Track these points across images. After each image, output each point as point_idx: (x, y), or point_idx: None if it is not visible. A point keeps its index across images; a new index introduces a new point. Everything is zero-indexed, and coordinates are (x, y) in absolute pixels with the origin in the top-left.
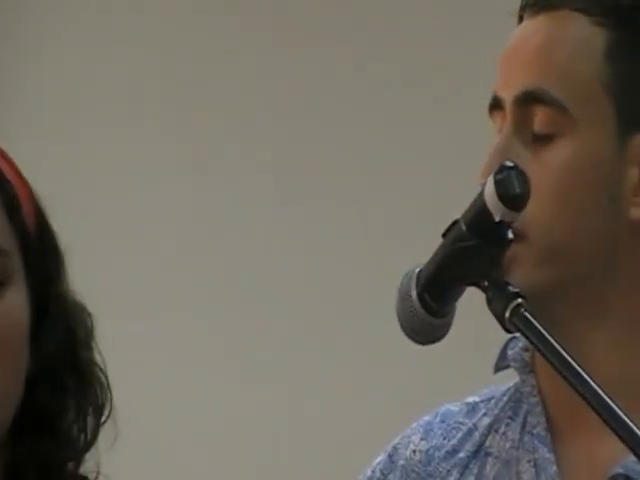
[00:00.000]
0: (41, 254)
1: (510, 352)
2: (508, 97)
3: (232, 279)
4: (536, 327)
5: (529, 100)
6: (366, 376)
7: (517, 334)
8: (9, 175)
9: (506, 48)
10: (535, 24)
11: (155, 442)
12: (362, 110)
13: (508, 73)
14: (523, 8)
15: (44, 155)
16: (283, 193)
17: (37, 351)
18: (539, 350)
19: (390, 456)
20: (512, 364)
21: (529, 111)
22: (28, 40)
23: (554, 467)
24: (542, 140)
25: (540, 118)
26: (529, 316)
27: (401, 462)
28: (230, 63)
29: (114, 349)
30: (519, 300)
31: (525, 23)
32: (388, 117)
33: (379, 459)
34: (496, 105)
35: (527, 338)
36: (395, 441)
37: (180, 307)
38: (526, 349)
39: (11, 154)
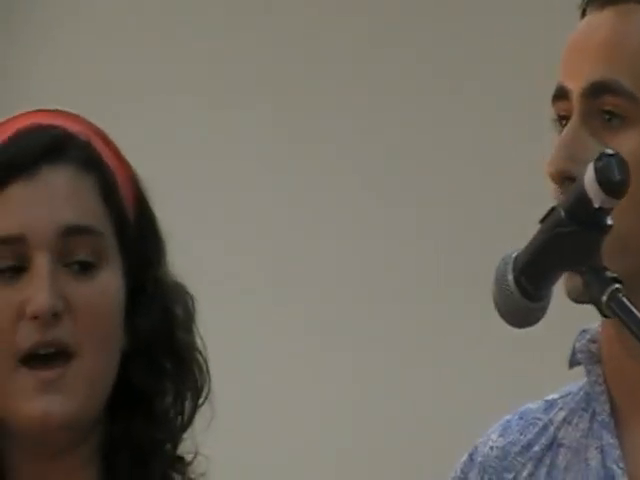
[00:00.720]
0: (139, 237)
1: (577, 345)
2: (576, 88)
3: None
4: (632, 311)
5: (598, 91)
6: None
7: (585, 327)
8: (108, 159)
9: (571, 41)
10: (601, 17)
11: (250, 422)
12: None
13: (575, 65)
14: (587, 2)
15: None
16: (381, 193)
17: (133, 330)
18: (634, 334)
19: (471, 455)
20: (578, 355)
21: (597, 102)
22: None
23: (617, 451)
24: (610, 130)
25: (609, 108)
26: (626, 301)
27: (479, 459)
28: (325, 64)
29: (214, 333)
30: (616, 285)
31: (590, 17)
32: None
33: (462, 459)
34: (561, 95)
35: (623, 322)
36: (477, 441)
37: (283, 297)
38: (593, 341)
39: None
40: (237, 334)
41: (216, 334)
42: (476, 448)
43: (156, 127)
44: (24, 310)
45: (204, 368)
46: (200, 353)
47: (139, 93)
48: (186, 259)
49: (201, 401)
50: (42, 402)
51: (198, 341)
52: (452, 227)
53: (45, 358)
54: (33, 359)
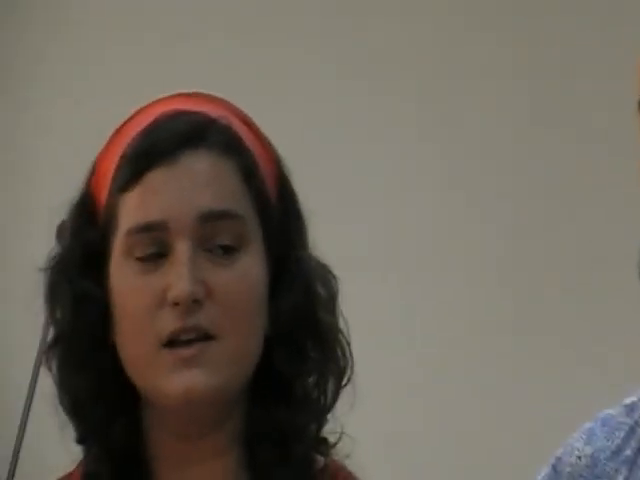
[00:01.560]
0: (281, 219)
1: None
2: None
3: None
4: None
5: None
6: None
7: None
8: (248, 140)
9: None
10: None
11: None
12: None
13: None
14: None
15: None
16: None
17: (275, 313)
18: None
19: (554, 467)
20: None
21: None
22: None
23: None
24: None
25: None
26: None
27: (567, 470)
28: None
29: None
30: None
31: None
32: None
33: (543, 473)
34: None
35: None
36: (557, 452)
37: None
38: None
39: None
40: (379, 315)
41: (358, 315)
42: (559, 459)
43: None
44: (165, 296)
45: (346, 349)
46: (342, 334)
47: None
48: (330, 239)
49: (344, 382)
50: (184, 377)
51: (341, 322)
52: None
53: (186, 342)
54: (173, 343)
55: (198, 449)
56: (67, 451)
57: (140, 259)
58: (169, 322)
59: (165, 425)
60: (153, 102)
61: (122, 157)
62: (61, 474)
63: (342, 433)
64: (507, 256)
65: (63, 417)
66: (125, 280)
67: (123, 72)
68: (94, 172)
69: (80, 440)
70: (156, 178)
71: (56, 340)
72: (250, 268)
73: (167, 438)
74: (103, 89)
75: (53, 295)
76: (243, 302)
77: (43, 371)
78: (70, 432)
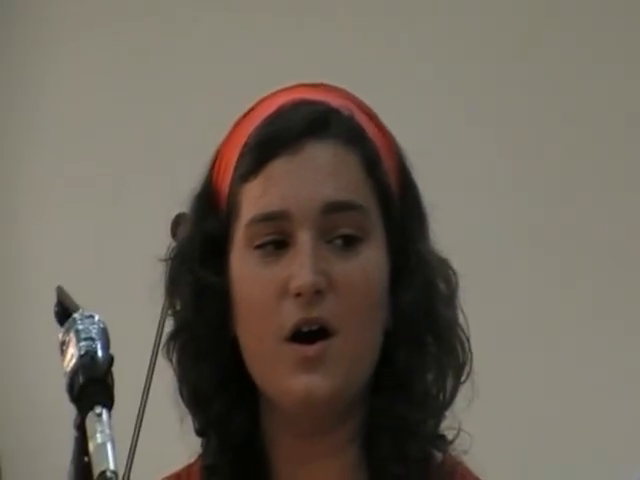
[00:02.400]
0: (403, 211)
1: None
2: None
3: None
4: None
5: None
6: None
7: None
8: (370, 130)
9: None
10: None
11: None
12: None
13: None
14: None
15: None
16: None
17: (395, 307)
18: None
19: None
20: None
21: None
22: None
23: None
24: None
25: None
26: None
27: None
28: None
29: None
30: None
31: None
32: None
33: None
34: None
35: None
36: None
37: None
38: None
39: None
40: (500, 312)
41: (474, 312)
42: None
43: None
44: (287, 287)
45: (466, 345)
46: (462, 330)
47: None
48: (450, 233)
49: (463, 379)
50: (304, 379)
51: (460, 317)
52: None
53: (308, 334)
54: (296, 336)
55: (316, 447)
56: (185, 444)
57: (261, 249)
58: (291, 314)
59: (282, 422)
60: (275, 92)
61: (245, 146)
62: (179, 467)
63: (460, 430)
64: None
65: (183, 409)
66: (246, 270)
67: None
68: (216, 162)
69: (199, 432)
70: (279, 167)
71: (176, 331)
72: (371, 260)
73: (285, 434)
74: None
75: (173, 286)
76: (364, 294)
77: (161, 363)
78: (189, 425)
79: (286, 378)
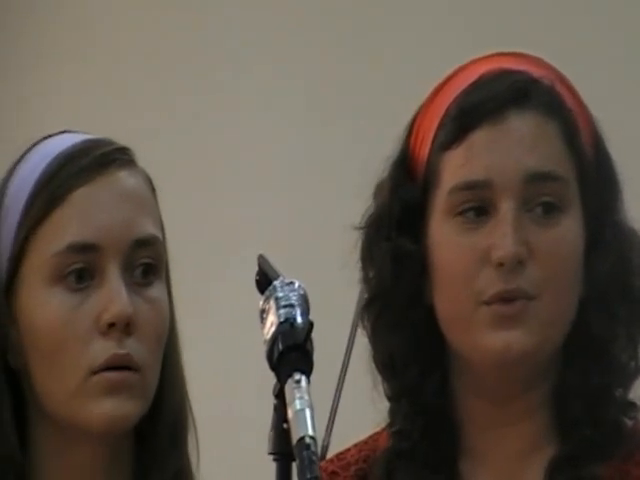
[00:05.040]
0: (598, 182)
1: None
2: None
3: None
4: None
5: None
6: None
7: None
8: (568, 101)
9: None
10: None
11: None
12: None
13: None
14: None
15: None
16: None
17: (589, 276)
18: None
19: None
20: None
21: None
22: None
23: None
24: None
25: None
26: None
27: None
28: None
29: None
30: None
31: None
32: None
33: None
34: None
35: None
36: None
37: None
38: None
39: None
40: None
41: None
42: None
43: None
44: (488, 255)
45: None
46: None
47: None
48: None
49: None
50: (502, 336)
51: None
52: None
53: (507, 300)
54: (494, 301)
55: (507, 411)
56: (378, 410)
57: (462, 216)
58: (491, 283)
59: (475, 387)
60: (473, 61)
61: (445, 115)
62: (373, 431)
63: None
64: None
65: (377, 375)
66: (446, 238)
67: None
68: (413, 130)
69: (392, 398)
70: (481, 137)
71: (372, 298)
72: (571, 230)
73: (476, 400)
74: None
75: (369, 253)
76: (563, 264)
77: (359, 330)
78: (382, 390)
79: (485, 336)
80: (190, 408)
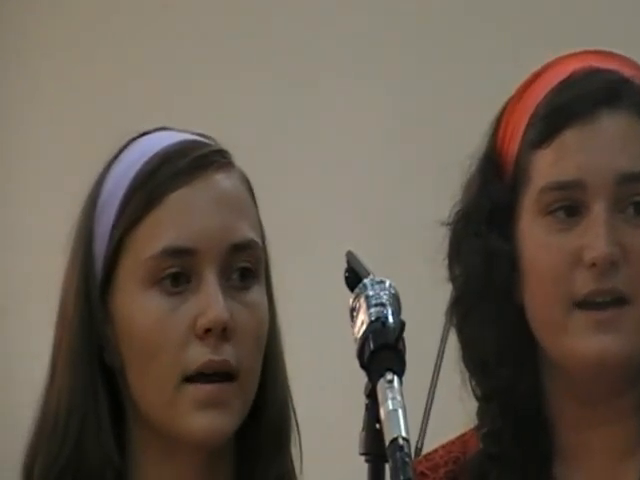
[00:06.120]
0: None
1: None
2: None
3: None
4: None
5: None
6: None
7: None
8: None
9: None
10: None
11: None
12: None
13: None
14: None
15: None
16: None
17: None
18: None
19: None
20: None
21: None
22: None
23: None
24: None
25: None
26: None
27: None
28: None
29: None
30: None
31: None
32: None
33: None
34: None
35: None
36: None
37: None
38: None
39: None
40: None
41: None
42: None
43: None
44: (580, 256)
45: None
46: None
47: None
48: None
49: None
50: (598, 341)
51: None
52: None
53: (600, 304)
54: (587, 304)
55: (600, 413)
56: (467, 411)
57: (552, 216)
58: (584, 283)
59: (568, 388)
60: (562, 58)
61: (536, 113)
62: (462, 431)
63: None
64: None
65: (467, 375)
66: (537, 237)
67: None
68: (500, 126)
69: (482, 398)
70: (572, 136)
71: (460, 296)
72: None
73: (568, 402)
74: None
75: (457, 250)
76: None
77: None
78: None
79: (579, 341)
80: (294, 410)
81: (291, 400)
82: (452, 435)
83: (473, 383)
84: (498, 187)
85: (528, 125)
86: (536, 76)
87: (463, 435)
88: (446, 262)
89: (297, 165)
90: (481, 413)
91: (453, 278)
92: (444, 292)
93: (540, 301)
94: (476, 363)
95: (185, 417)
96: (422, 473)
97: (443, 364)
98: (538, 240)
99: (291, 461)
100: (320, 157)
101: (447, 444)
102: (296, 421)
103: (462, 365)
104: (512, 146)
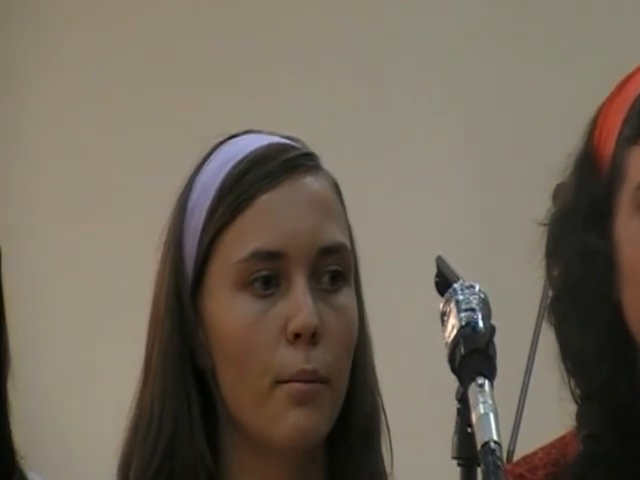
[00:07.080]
0: None
1: None
2: None
3: None
4: None
5: None
6: None
7: None
8: None
9: None
10: None
11: None
12: None
13: None
14: None
15: None
16: None
17: None
18: None
19: None
20: None
21: None
22: None
23: None
24: None
25: None
26: None
27: None
28: None
29: None
30: None
31: None
32: None
33: None
34: None
35: None
36: None
37: None
38: None
39: None
40: None
41: None
42: None
43: None
44: None
45: None
46: None
47: None
48: None
49: None
50: None
51: None
52: None
53: None
54: None
55: None
56: (565, 411)
57: None
58: None
59: None
60: None
61: (632, 109)
62: (560, 434)
63: None
64: None
65: (564, 376)
66: (632, 234)
67: None
68: (596, 126)
69: (581, 399)
70: None
71: (559, 295)
72: None
73: None
74: None
75: (555, 249)
76: None
77: (545, 333)
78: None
79: None
80: (384, 412)
81: (381, 402)
82: (544, 438)
83: (572, 384)
84: (595, 185)
85: (624, 122)
86: (632, 74)
87: (563, 437)
88: (542, 263)
89: (390, 167)
90: (581, 414)
91: (551, 278)
92: (535, 294)
93: (637, 299)
94: (575, 363)
95: (279, 416)
96: (521, 475)
97: (534, 367)
98: (634, 237)
99: (382, 462)
100: (411, 159)
101: (547, 446)
102: (387, 422)
103: (561, 366)
104: (608, 144)
